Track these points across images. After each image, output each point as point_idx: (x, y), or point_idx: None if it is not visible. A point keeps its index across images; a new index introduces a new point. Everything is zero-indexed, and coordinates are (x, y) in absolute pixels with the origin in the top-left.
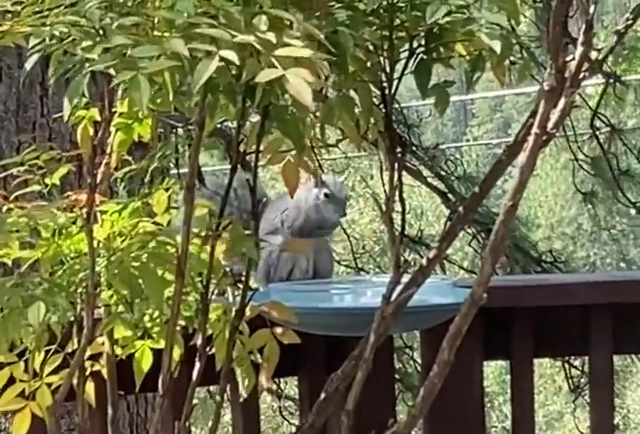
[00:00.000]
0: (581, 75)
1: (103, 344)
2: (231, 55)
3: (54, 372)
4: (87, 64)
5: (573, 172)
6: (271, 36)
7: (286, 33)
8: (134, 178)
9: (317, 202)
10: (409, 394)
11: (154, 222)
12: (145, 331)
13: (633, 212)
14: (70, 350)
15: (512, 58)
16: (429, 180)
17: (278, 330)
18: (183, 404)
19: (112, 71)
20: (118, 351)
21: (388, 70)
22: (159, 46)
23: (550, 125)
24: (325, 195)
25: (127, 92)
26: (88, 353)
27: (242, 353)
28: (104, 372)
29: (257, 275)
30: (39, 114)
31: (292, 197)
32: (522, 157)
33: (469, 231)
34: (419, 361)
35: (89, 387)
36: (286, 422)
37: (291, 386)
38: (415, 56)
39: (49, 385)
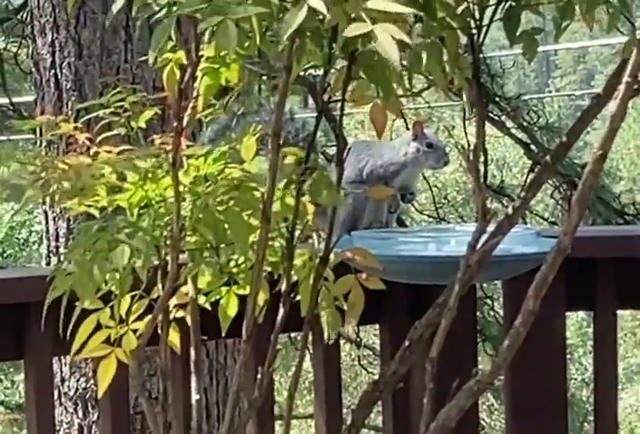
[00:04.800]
0: None
1: (187, 294)
2: (320, 5)
3: (139, 318)
4: (174, 8)
5: None
6: None
7: None
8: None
9: (418, 154)
10: (488, 344)
11: (241, 169)
12: (231, 277)
13: None
14: (155, 296)
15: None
16: (512, 131)
17: (363, 276)
18: (265, 350)
19: (198, 16)
20: (202, 300)
21: (477, 16)
22: None
23: None
24: (428, 145)
25: (214, 37)
26: (173, 302)
27: (327, 298)
28: (188, 318)
29: (340, 222)
30: (122, 59)
31: (380, 138)
32: (612, 106)
33: (550, 182)
34: (499, 311)
35: (173, 333)
36: (364, 371)
37: (369, 335)
38: (504, 2)
39: (134, 332)
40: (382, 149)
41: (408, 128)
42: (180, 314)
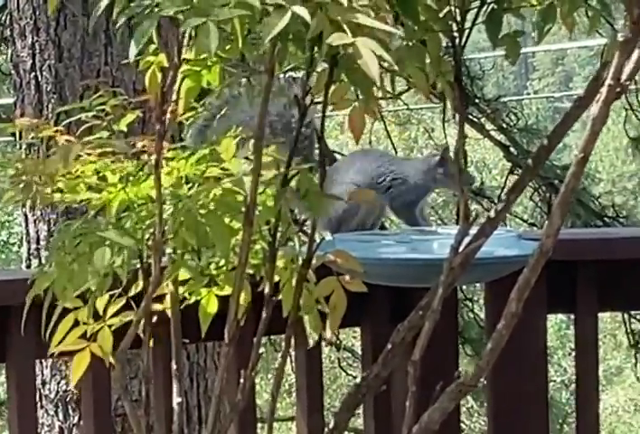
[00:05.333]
0: None
1: (168, 287)
2: (303, 12)
3: (116, 314)
4: (155, 9)
5: (625, 121)
6: None
7: None
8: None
9: (447, 179)
10: (468, 346)
11: (222, 168)
12: (211, 278)
13: None
14: (132, 293)
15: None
16: (491, 132)
17: (345, 278)
18: (247, 353)
19: (180, 17)
20: (184, 297)
21: (459, 19)
22: None
23: (623, 76)
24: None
25: (195, 39)
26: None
27: (309, 300)
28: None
29: (322, 224)
30: (103, 62)
31: (357, 142)
32: (594, 109)
33: (530, 184)
34: (479, 313)
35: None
36: (344, 373)
37: (348, 338)
38: (486, 5)
39: (110, 327)
40: (405, 168)
41: (386, 130)
42: (161, 309)
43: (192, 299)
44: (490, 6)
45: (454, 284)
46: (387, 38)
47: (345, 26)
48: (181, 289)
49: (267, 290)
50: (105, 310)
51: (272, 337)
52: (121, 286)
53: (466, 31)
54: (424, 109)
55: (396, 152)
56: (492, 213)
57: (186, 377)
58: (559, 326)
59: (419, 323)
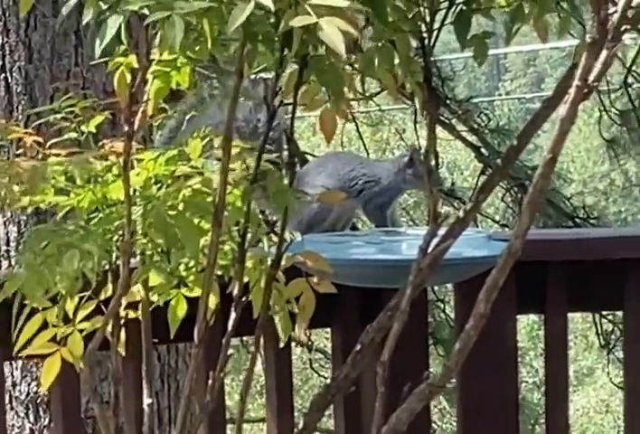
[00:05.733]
0: (622, 28)
1: (139, 292)
2: (267, 1)
3: (87, 318)
4: (121, 4)
5: (599, 122)
6: None
7: None
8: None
9: (417, 180)
10: (440, 347)
11: (190, 166)
12: (181, 280)
13: None
14: (103, 297)
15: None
16: (463, 133)
17: (314, 279)
18: (216, 354)
19: (146, 12)
20: (153, 298)
21: (428, 20)
22: None
23: (591, 77)
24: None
25: (160, 32)
26: (123, 303)
27: (279, 301)
28: (140, 320)
29: (292, 225)
30: (73, 63)
31: (328, 143)
32: (562, 109)
33: (501, 185)
34: (450, 314)
35: (122, 336)
36: (315, 374)
37: (320, 339)
38: (455, 6)
39: (80, 331)
40: (376, 170)
41: (358, 131)
42: (131, 315)
43: (162, 301)
44: (459, 7)
45: (423, 285)
46: (356, 19)
47: (310, 10)
48: (151, 291)
49: (236, 291)
50: (75, 313)
51: (244, 339)
52: (91, 288)
53: (435, 31)
54: (396, 110)
55: (368, 153)
56: (461, 213)
57: (157, 379)
58: (531, 327)
59: (388, 324)
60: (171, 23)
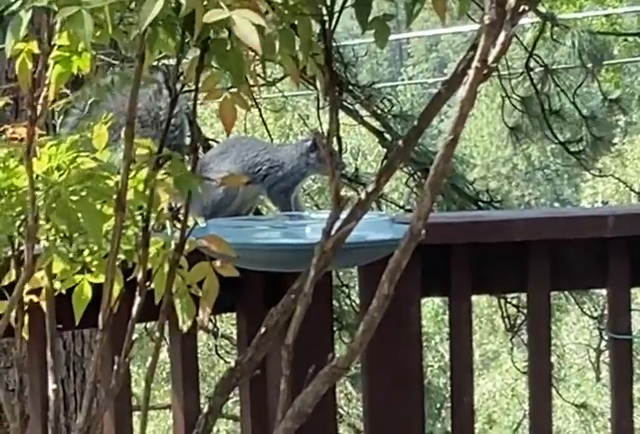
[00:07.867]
0: (520, 9)
1: (42, 278)
2: None
3: None
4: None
5: (502, 108)
6: None
7: None
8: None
9: (319, 164)
10: (345, 333)
11: (93, 158)
12: (85, 265)
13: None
14: (6, 283)
15: None
16: (366, 119)
17: (217, 263)
18: (122, 340)
19: (54, 7)
20: (57, 285)
21: (328, 2)
22: None
23: (490, 59)
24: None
25: (68, 26)
26: (26, 288)
27: (182, 286)
28: (43, 306)
29: (197, 210)
30: None
31: (228, 135)
32: (461, 91)
33: (405, 170)
34: (356, 300)
35: (26, 321)
36: (222, 361)
37: (227, 325)
38: None
39: None
40: (279, 155)
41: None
42: (34, 299)
43: (65, 287)
44: None
45: (326, 267)
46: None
47: (221, 2)
48: (54, 280)
49: (140, 276)
50: None
51: (148, 326)
52: None
53: (336, 14)
54: (299, 97)
55: (272, 139)
56: (363, 196)
57: (63, 366)
58: (436, 312)
59: (292, 307)
60: (80, 18)
